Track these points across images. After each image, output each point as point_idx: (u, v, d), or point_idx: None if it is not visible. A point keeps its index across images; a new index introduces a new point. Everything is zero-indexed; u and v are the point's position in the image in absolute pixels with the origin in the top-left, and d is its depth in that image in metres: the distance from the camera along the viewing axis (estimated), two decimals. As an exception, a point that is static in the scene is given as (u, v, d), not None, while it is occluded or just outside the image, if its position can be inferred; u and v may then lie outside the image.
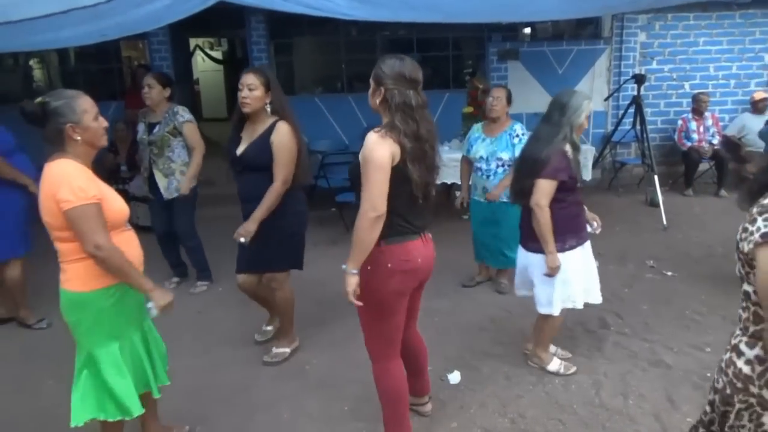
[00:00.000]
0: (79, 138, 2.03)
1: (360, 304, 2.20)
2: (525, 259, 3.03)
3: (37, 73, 8.70)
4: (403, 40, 7.61)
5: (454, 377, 3.04)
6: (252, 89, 2.90)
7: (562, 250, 2.86)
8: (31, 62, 8.36)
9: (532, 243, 2.91)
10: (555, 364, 3.08)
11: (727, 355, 1.54)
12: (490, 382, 3.02)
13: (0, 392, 3.08)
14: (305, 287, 4.32)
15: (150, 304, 2.16)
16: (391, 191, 2.08)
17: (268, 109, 2.98)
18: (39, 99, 2.00)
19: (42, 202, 2.02)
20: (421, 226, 2.28)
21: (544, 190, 2.79)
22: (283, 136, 2.95)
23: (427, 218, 2.32)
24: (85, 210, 1.97)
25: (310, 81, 7.80)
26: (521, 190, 2.92)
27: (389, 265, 2.18)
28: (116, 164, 6.25)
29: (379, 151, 2.05)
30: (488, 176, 3.98)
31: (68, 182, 1.97)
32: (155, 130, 4.02)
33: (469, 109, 5.58)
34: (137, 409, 2.19)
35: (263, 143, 2.96)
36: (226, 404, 2.90)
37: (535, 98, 7.34)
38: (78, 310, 2.10)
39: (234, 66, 11.14)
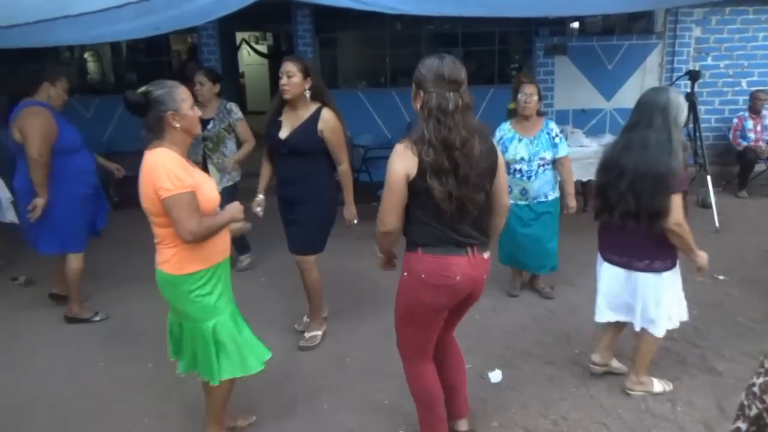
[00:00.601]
0: (178, 125, 2.12)
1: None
2: (632, 281, 2.68)
3: (92, 66, 9.00)
4: (448, 34, 7.55)
5: (495, 376, 3.01)
6: (291, 76, 3.02)
7: (674, 266, 2.67)
8: (86, 55, 8.66)
9: (659, 262, 2.62)
10: (658, 386, 2.84)
11: (762, 379, 1.31)
12: (531, 383, 2.98)
13: (55, 372, 3.21)
14: (346, 281, 4.36)
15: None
16: (414, 202, 2.03)
17: (308, 95, 3.09)
18: (142, 88, 2.09)
19: (142, 188, 2.12)
20: (467, 241, 2.09)
21: (679, 205, 2.48)
22: (331, 123, 3.11)
23: (477, 232, 2.13)
24: (181, 198, 2.07)
25: (353, 75, 7.82)
26: (646, 210, 2.50)
27: (423, 276, 2.08)
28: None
29: (394, 166, 1.99)
30: (529, 177, 3.77)
31: (166, 171, 2.05)
32: (209, 126, 4.15)
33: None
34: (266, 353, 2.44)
35: (310, 129, 3.09)
36: (266, 393, 2.94)
37: (582, 94, 7.21)
38: (172, 289, 2.24)
39: (278, 60, 11.26)
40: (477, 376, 3.01)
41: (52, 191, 3.50)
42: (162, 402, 2.88)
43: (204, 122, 4.19)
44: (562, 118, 7.10)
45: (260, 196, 3.34)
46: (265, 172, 3.40)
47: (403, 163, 1.97)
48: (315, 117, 3.09)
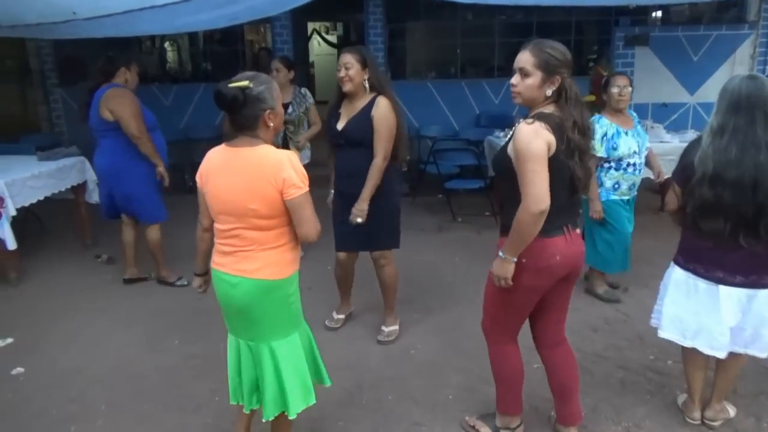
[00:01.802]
0: (272, 124, 1.98)
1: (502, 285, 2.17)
2: (758, 301, 2.31)
3: (170, 55, 9.37)
4: (521, 24, 7.36)
5: (565, 377, 2.92)
6: (348, 68, 2.98)
7: None
8: (165, 44, 9.01)
9: None
10: (731, 409, 2.63)
11: None
12: (602, 387, 2.87)
13: (134, 347, 3.37)
14: (412, 272, 4.34)
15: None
16: (552, 186, 2.00)
17: (367, 86, 3.04)
18: (239, 83, 1.88)
19: (249, 188, 1.92)
20: (564, 223, 2.14)
21: None
22: (383, 110, 3.01)
23: (575, 213, 2.23)
24: (308, 196, 1.96)
25: (423, 66, 7.76)
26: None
27: (523, 260, 2.10)
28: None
29: (536, 143, 1.97)
30: (640, 170, 3.66)
31: (293, 168, 1.92)
32: (289, 111, 4.29)
33: (591, 98, 5.27)
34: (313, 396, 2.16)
35: (364, 118, 3.02)
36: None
37: (664, 88, 6.87)
38: (267, 298, 2.02)
39: (348, 50, 11.35)
40: (545, 377, 2.92)
41: (130, 165, 3.81)
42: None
43: (283, 107, 4.32)
44: (641, 112, 6.70)
45: (332, 192, 3.33)
46: (333, 167, 3.36)
47: (544, 140, 1.98)
48: (370, 105, 3.03)
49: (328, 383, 2.27)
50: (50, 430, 2.65)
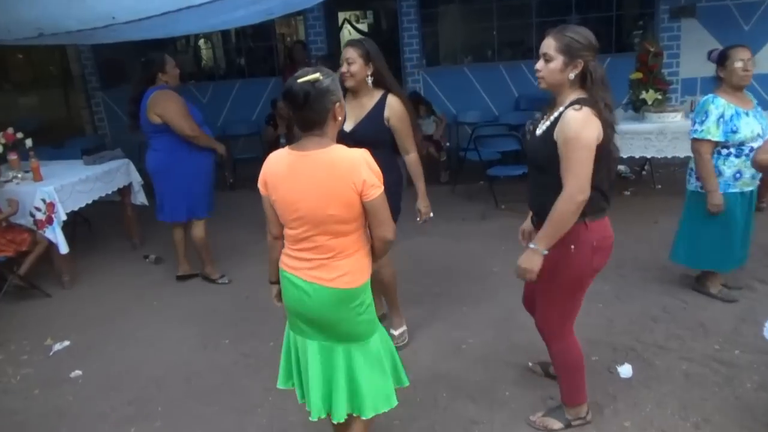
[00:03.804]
0: (340, 117, 1.90)
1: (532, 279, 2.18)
2: None
3: (205, 53, 9.45)
4: (559, 1, 7.12)
5: (625, 371, 2.81)
6: (351, 63, 2.81)
7: None
8: (199, 42, 9.09)
9: None
10: None
11: None
12: (666, 380, 2.75)
13: (187, 347, 3.41)
14: (457, 263, 4.28)
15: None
16: (593, 169, 2.03)
17: (369, 82, 2.87)
18: (308, 77, 1.78)
19: (326, 194, 1.82)
20: (610, 202, 2.22)
21: None
22: (398, 111, 2.89)
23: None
24: (384, 196, 1.87)
25: (459, 50, 7.60)
26: None
27: (594, 243, 2.14)
28: (276, 137, 6.62)
29: (587, 131, 1.98)
30: None
31: (369, 167, 1.82)
32: None
33: (638, 75, 5.05)
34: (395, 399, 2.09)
35: (377, 120, 2.88)
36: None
37: (712, 61, 6.54)
38: (345, 307, 1.93)
39: (378, 38, 11.24)
40: (604, 369, 2.84)
41: (183, 162, 3.86)
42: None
43: None
44: (688, 88, 6.49)
45: None
46: None
47: (595, 127, 2.00)
48: (381, 105, 2.88)
49: (406, 383, 2.16)
50: (111, 432, 2.71)
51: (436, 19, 7.61)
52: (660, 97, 5.07)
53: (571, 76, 2.06)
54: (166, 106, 3.72)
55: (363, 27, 12.46)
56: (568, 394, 2.45)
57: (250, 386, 2.95)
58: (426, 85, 7.13)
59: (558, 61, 2.05)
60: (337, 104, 1.85)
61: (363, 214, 1.88)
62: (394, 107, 2.89)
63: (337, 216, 1.84)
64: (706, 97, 3.21)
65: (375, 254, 2.01)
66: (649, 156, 5.08)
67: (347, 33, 12.14)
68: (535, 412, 2.57)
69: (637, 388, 2.69)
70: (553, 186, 2.06)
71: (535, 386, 2.77)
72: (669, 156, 4.95)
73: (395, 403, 2.06)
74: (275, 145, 6.61)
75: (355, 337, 1.98)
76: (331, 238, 1.88)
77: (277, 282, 2.10)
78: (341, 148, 1.86)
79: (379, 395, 2.01)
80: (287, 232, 1.97)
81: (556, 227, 2.06)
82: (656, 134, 4.83)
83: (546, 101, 6.87)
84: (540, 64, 2.11)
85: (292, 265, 1.97)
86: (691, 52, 6.56)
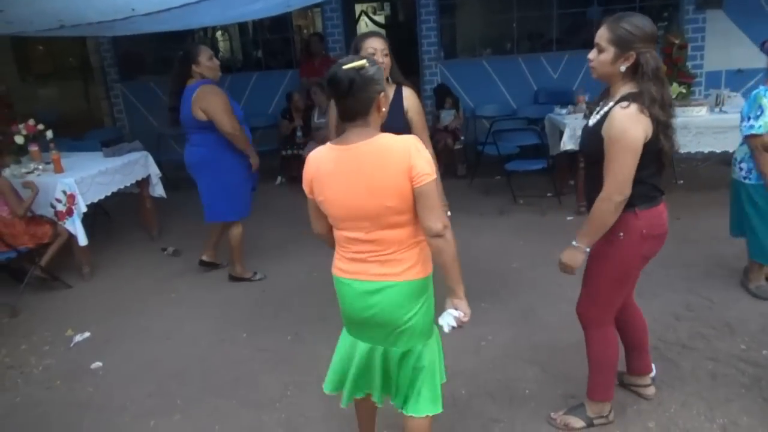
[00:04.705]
0: (384, 109, 1.82)
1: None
2: None
3: (222, 45, 9.44)
4: (581, -7, 7.00)
5: (649, 370, 2.76)
6: (385, 54, 2.71)
7: None
8: (217, 34, 9.08)
9: None
10: None
11: None
12: (691, 380, 2.70)
13: (204, 341, 3.41)
14: (475, 258, 4.23)
15: (454, 313, 1.86)
16: (642, 163, 2.01)
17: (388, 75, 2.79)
18: (354, 64, 1.70)
19: (382, 185, 1.74)
20: (664, 191, 2.21)
21: None
22: (415, 105, 2.86)
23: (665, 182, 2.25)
24: (434, 184, 1.77)
25: (477, 42, 7.51)
26: None
27: (644, 231, 2.13)
28: (292, 130, 6.60)
29: (634, 132, 1.96)
30: None
31: (420, 154, 1.74)
32: None
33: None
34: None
35: (399, 112, 2.84)
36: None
37: (738, 53, 6.40)
38: (416, 300, 1.86)
39: (395, 30, 11.18)
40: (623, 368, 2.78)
41: (221, 161, 3.78)
42: (303, 375, 2.95)
43: None
44: (713, 80, 6.37)
45: None
46: None
47: (642, 127, 1.97)
48: (399, 98, 2.83)
49: (443, 380, 2.09)
50: (132, 424, 2.71)
51: (454, 11, 7.52)
52: (684, 90, 4.99)
53: (622, 68, 2.02)
54: (210, 102, 3.64)
55: (380, 19, 12.39)
56: (595, 389, 2.42)
57: (268, 381, 2.94)
58: (444, 78, 7.06)
59: (609, 53, 2.02)
60: (381, 94, 1.77)
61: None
62: (411, 100, 2.86)
63: (395, 207, 1.75)
64: (756, 91, 3.12)
65: (435, 259, 1.86)
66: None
67: (364, 25, 12.09)
68: (556, 410, 2.53)
69: (661, 388, 2.63)
70: (601, 178, 2.07)
71: (556, 384, 2.74)
72: (692, 151, 4.85)
73: (441, 408, 2.01)
74: (291, 138, 6.61)
75: (425, 335, 1.92)
76: (392, 230, 1.79)
77: None
78: (388, 136, 1.78)
79: (432, 396, 1.97)
80: (341, 234, 1.86)
81: (596, 226, 2.09)
82: (680, 129, 4.61)
83: (564, 96, 6.81)
84: (592, 54, 2.09)
85: (352, 269, 1.87)
86: (716, 43, 6.43)
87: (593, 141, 2.10)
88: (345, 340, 2.04)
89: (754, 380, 2.65)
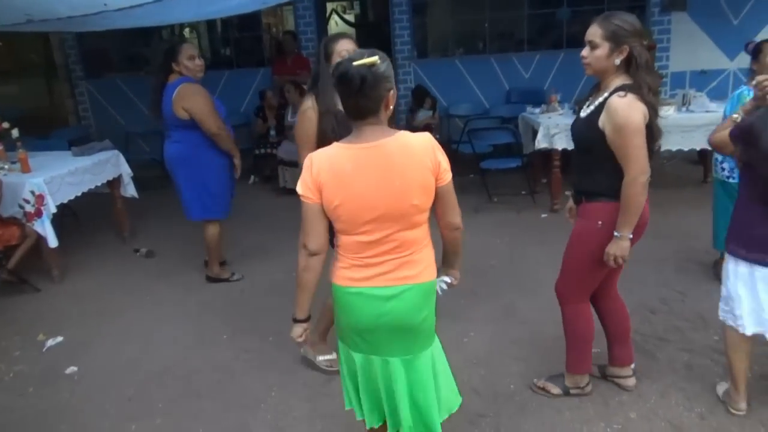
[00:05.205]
0: (392, 106, 1.74)
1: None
2: None
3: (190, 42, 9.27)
4: (551, -6, 7.11)
5: (628, 363, 2.83)
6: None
7: None
8: (184, 32, 8.91)
9: None
10: None
11: None
12: (669, 371, 2.78)
13: (183, 343, 3.35)
14: (455, 256, 4.26)
15: (447, 279, 2.00)
16: None
17: None
18: (365, 60, 1.62)
19: (409, 183, 1.68)
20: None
21: None
22: None
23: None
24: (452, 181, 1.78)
25: (450, 42, 7.57)
26: None
27: None
28: (266, 129, 6.53)
29: (636, 116, 2.09)
30: None
31: (439, 152, 1.72)
32: None
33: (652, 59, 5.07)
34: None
35: None
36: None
37: (701, 54, 6.62)
38: (429, 300, 1.84)
39: (365, 29, 11.18)
40: (604, 361, 2.84)
41: (202, 158, 3.71)
42: (286, 376, 2.93)
43: None
44: (678, 81, 6.56)
45: None
46: None
47: (641, 111, 2.09)
48: None
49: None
50: (112, 429, 2.65)
51: (426, 10, 7.55)
52: (653, 90, 5.10)
53: (617, 61, 2.14)
54: (194, 102, 3.56)
55: (350, 18, 12.36)
56: (571, 362, 2.58)
57: (252, 382, 2.91)
58: (417, 78, 7.09)
59: (604, 48, 2.13)
60: (391, 92, 1.70)
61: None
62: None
63: (419, 205, 1.71)
64: (739, 91, 3.21)
65: (448, 247, 1.95)
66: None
67: (334, 24, 12.04)
68: (541, 403, 2.58)
69: (640, 380, 2.70)
70: (594, 167, 2.24)
71: (539, 379, 2.77)
72: (661, 149, 4.98)
73: (460, 398, 2.00)
74: (265, 137, 6.54)
75: (427, 338, 1.86)
76: (412, 230, 1.74)
77: (307, 320, 1.92)
78: (408, 134, 1.73)
79: (452, 392, 1.97)
80: (353, 240, 1.74)
81: (631, 210, 2.17)
82: None
83: (536, 95, 6.92)
84: (586, 51, 2.18)
85: (365, 275, 1.76)
86: (680, 45, 6.62)
87: (587, 131, 2.23)
88: (345, 356, 1.92)
89: (727, 370, 2.73)
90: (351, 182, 1.68)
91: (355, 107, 1.68)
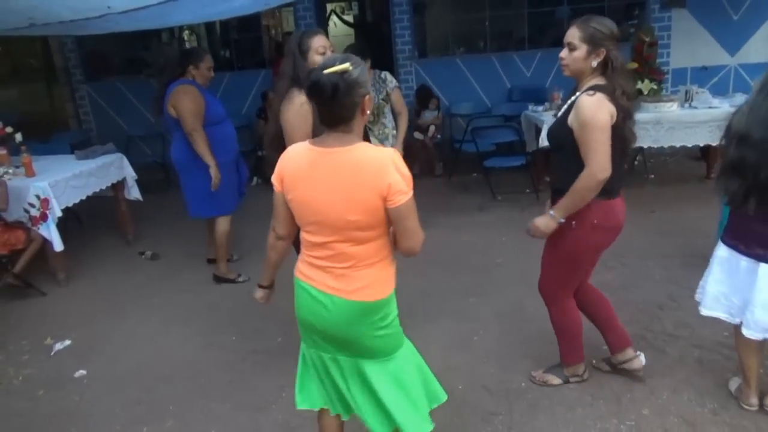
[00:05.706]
0: (368, 111, 1.71)
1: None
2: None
3: (190, 45, 9.26)
4: (550, -8, 7.11)
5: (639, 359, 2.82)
6: (333, 52, 2.65)
7: None
8: (183, 34, 8.89)
9: None
10: None
11: None
12: (680, 367, 2.77)
13: (192, 344, 3.35)
14: (459, 254, 4.27)
15: None
16: None
17: None
18: (337, 68, 1.59)
19: (348, 197, 1.65)
20: (622, 185, 2.36)
21: None
22: None
23: (624, 176, 2.43)
24: (413, 201, 1.68)
25: (451, 41, 7.56)
26: None
27: (595, 221, 2.28)
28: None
29: (602, 114, 2.13)
30: None
31: (397, 170, 1.63)
32: None
33: (633, 65, 5.07)
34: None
35: None
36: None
37: (702, 50, 6.63)
38: (366, 320, 1.76)
39: (364, 29, 11.18)
40: (609, 354, 2.84)
41: (200, 159, 3.75)
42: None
43: None
44: (679, 78, 6.56)
45: None
46: None
47: (608, 110, 2.13)
48: None
49: (443, 399, 1.97)
50: (123, 432, 2.64)
51: (427, 10, 7.55)
52: (655, 87, 5.12)
53: (594, 63, 2.21)
54: (180, 99, 3.65)
55: (349, 18, 12.35)
56: (567, 356, 2.66)
57: (262, 383, 2.90)
58: (418, 77, 7.09)
59: (582, 50, 2.20)
60: (366, 97, 1.67)
61: (388, 219, 1.69)
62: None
63: (358, 222, 1.66)
64: None
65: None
66: (645, 146, 5.11)
67: (333, 25, 12.04)
68: (553, 401, 2.58)
69: (651, 376, 2.70)
70: (567, 164, 2.25)
71: (537, 371, 2.77)
72: (665, 146, 4.99)
73: (429, 428, 1.87)
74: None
75: (374, 353, 1.81)
76: (352, 245, 1.70)
77: (269, 287, 2.11)
78: (367, 147, 1.68)
79: (408, 419, 1.82)
80: (304, 236, 1.79)
81: (574, 199, 2.22)
82: (653, 124, 4.85)
83: (537, 93, 6.93)
84: (564, 53, 2.26)
85: (309, 274, 1.80)
86: (681, 41, 6.63)
87: (559, 130, 2.29)
88: (303, 350, 1.98)
89: (738, 366, 2.73)
90: (301, 181, 1.72)
91: (328, 115, 1.66)
